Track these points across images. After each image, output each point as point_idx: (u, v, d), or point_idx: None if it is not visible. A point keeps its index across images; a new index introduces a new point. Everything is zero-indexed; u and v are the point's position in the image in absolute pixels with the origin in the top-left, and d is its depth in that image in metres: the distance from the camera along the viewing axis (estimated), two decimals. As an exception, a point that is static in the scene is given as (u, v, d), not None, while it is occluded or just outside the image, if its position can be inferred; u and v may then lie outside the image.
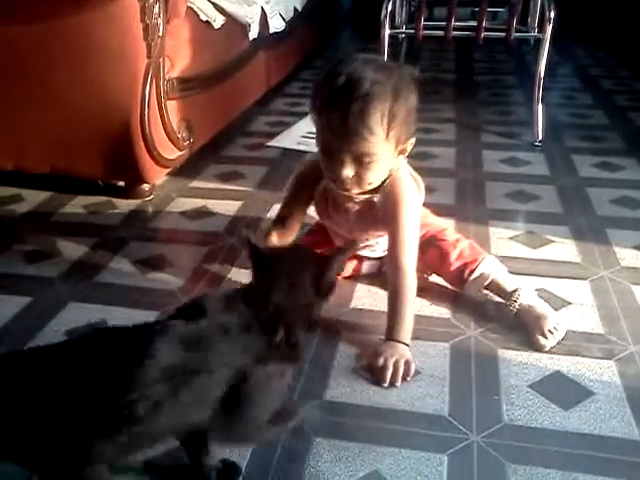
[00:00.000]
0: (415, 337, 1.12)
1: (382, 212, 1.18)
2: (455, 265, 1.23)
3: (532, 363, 1.09)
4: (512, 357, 1.10)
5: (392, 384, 1.03)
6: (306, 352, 1.11)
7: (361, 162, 1.10)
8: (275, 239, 1.22)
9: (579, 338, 1.15)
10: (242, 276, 1.31)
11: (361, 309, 1.25)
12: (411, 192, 1.18)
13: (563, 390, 1.03)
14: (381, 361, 1.05)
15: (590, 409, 0.99)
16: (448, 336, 1.16)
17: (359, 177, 1.12)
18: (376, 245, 1.29)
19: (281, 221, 1.26)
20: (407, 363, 1.05)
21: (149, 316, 1.21)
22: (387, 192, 1.17)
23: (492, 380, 1.05)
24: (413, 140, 1.15)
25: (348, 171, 1.10)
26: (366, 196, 1.18)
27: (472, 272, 1.21)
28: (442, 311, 1.23)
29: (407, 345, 1.08)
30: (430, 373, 1.07)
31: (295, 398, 1.01)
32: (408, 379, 1.05)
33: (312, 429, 0.95)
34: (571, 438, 0.93)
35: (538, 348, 1.11)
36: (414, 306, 1.14)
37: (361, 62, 1.10)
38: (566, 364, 1.08)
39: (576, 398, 1.01)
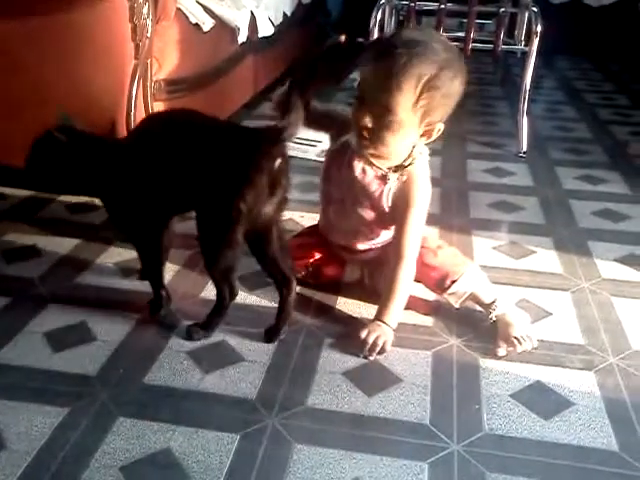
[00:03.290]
0: (397, 345, 1.13)
1: (392, 202, 1.19)
2: (436, 272, 1.23)
3: (513, 373, 1.09)
4: (494, 366, 1.11)
5: (366, 357, 1.12)
6: (289, 359, 1.11)
7: (383, 118, 1.11)
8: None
9: (560, 349, 1.16)
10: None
11: (343, 316, 1.25)
12: (426, 188, 1.20)
13: (543, 400, 1.04)
14: (363, 334, 1.13)
15: (570, 419, 1.00)
16: (430, 344, 1.16)
17: (377, 135, 1.13)
18: (358, 245, 1.29)
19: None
20: (385, 342, 1.12)
21: (131, 318, 1.20)
22: (404, 182, 1.18)
23: (473, 389, 1.05)
24: (441, 127, 1.15)
25: (367, 120, 1.12)
26: (381, 168, 1.18)
27: (453, 283, 1.21)
28: (424, 319, 1.23)
29: (392, 329, 1.14)
30: (412, 381, 1.07)
31: (277, 403, 1.00)
32: (384, 355, 1.12)
33: (293, 436, 0.95)
34: (551, 448, 0.94)
35: (495, 354, 1.13)
36: (407, 294, 1.18)
37: (429, 32, 1.17)
38: (547, 374, 1.09)
39: (556, 408, 1.02)
